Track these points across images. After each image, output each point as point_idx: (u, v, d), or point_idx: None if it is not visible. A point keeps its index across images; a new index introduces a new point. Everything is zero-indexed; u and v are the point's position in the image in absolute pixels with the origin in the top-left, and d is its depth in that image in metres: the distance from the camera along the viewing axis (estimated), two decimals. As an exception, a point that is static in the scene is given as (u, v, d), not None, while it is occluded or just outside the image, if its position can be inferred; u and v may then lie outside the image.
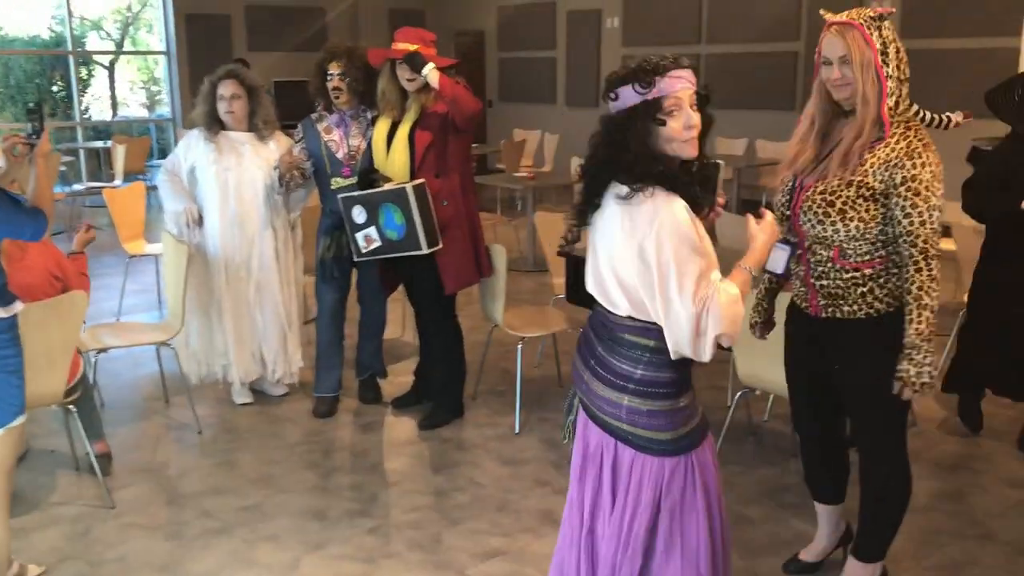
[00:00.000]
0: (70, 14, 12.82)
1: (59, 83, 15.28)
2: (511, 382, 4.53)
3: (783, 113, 10.08)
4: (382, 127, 4.04)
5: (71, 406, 3.52)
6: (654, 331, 2.05)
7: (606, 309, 2.17)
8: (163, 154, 13.55)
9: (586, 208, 2.18)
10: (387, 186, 3.91)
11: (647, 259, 1.99)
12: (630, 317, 2.09)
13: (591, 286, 2.23)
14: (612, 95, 2.10)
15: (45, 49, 15.16)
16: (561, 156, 10.18)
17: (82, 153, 12.41)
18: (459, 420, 4.34)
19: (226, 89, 4.35)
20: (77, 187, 10.30)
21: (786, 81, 10.04)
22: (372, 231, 3.94)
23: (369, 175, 4.04)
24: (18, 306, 2.60)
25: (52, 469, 3.87)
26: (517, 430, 4.22)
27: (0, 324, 2.52)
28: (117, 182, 10.06)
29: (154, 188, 6.06)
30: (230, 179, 4.33)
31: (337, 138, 4.28)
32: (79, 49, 13.87)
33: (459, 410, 4.37)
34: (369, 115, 4.30)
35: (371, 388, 4.63)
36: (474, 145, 10.95)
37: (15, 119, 14.63)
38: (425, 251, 3.87)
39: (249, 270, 4.40)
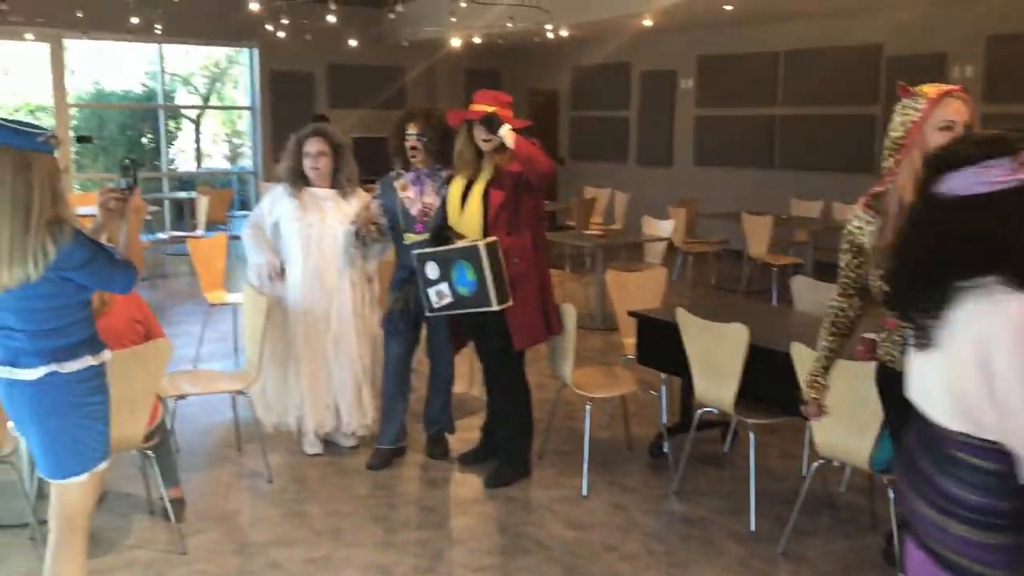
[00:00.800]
0: (162, 70, 13.43)
1: (149, 135, 15.93)
2: (579, 443, 4.49)
3: (859, 176, 9.96)
4: (457, 185, 4.12)
5: (149, 451, 3.61)
6: (994, 452, 1.76)
7: (933, 420, 1.88)
8: (244, 205, 14.00)
9: (935, 322, 1.82)
10: (460, 243, 3.97)
11: (995, 367, 1.70)
12: (963, 433, 1.80)
13: (914, 392, 1.95)
14: (958, 173, 1.77)
15: (137, 103, 15.85)
16: (632, 214, 10.20)
17: (167, 203, 12.87)
18: (526, 479, 4.31)
19: (312, 146, 4.49)
20: (161, 236, 10.67)
21: (863, 144, 9.92)
22: (444, 287, 3.99)
23: (442, 232, 4.11)
24: (107, 354, 2.69)
25: (128, 512, 3.95)
26: (584, 492, 4.17)
27: (89, 371, 2.61)
28: (199, 232, 10.39)
29: (235, 238, 6.23)
30: (312, 234, 4.44)
31: (412, 195, 4.37)
32: (168, 103, 14.47)
33: (526, 469, 4.35)
34: (444, 174, 4.38)
35: (439, 443, 4.64)
36: (545, 202, 11.08)
37: (106, 169, 15.26)
38: (495, 308, 3.90)
39: (328, 322, 4.48)
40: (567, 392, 4.45)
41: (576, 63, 13.51)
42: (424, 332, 4.54)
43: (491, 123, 3.93)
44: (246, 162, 15.11)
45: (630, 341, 4.75)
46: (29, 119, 14.74)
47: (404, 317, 4.41)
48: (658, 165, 12.39)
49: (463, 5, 9.09)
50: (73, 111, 12.56)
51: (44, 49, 11.53)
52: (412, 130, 4.32)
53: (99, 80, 16.11)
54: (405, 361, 4.50)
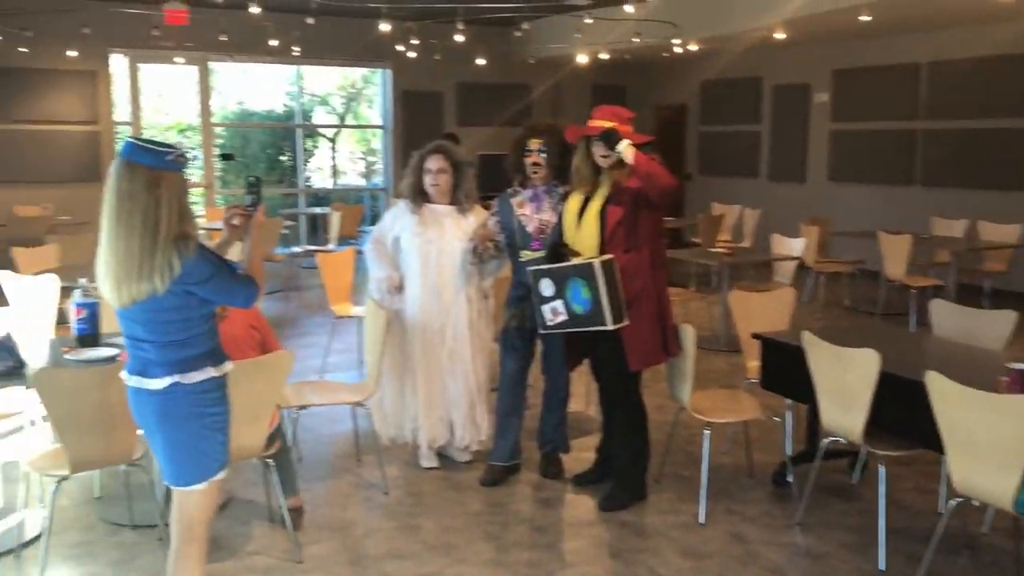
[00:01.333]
0: (300, 91, 14.00)
1: (287, 153, 16.61)
2: (697, 467, 4.35)
3: (1008, 193, 9.36)
4: (574, 202, 4.07)
5: (269, 460, 3.71)
6: None
7: None
8: (376, 221, 14.38)
9: None
10: (575, 260, 3.92)
11: None
12: None
13: None
14: None
15: (277, 122, 16.55)
16: (762, 231, 9.90)
17: (303, 218, 13.38)
18: (640, 503, 4.20)
19: (433, 163, 4.54)
20: (296, 249, 11.07)
21: (1013, 159, 9.31)
22: (559, 304, 3.95)
23: (558, 249, 4.08)
24: (228, 366, 2.77)
25: (249, 519, 4.07)
26: (702, 520, 4.03)
27: (212, 382, 2.70)
28: (331, 246, 10.73)
29: (361, 253, 6.40)
30: (432, 250, 4.49)
31: (529, 212, 4.36)
32: (306, 122, 15.05)
33: (641, 493, 4.24)
34: (561, 190, 4.35)
35: (552, 462, 4.59)
36: (670, 219, 10.89)
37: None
38: (610, 327, 3.83)
39: (443, 337, 4.52)
40: (686, 415, 4.32)
41: (705, 77, 13.26)
42: (540, 349, 4.51)
43: (610, 139, 3.87)
44: (379, 179, 15.55)
45: (754, 364, 4.58)
46: (179, 138, 15.59)
47: (520, 334, 4.40)
48: (790, 181, 12.00)
49: (588, 22, 9.06)
50: (218, 130, 13.21)
51: (192, 72, 12.19)
52: (534, 146, 4.31)
53: (243, 100, 16.94)
54: (520, 378, 4.48)
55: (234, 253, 2.91)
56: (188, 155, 2.78)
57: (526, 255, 4.33)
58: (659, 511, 4.14)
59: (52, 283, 5.36)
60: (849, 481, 4.49)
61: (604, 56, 11.57)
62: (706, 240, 9.45)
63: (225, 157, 13.81)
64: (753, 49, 11.85)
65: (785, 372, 4.23)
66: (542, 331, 4.11)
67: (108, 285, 2.59)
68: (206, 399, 2.68)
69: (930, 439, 3.52)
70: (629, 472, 4.19)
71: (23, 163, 11.07)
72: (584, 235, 3.99)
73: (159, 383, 2.64)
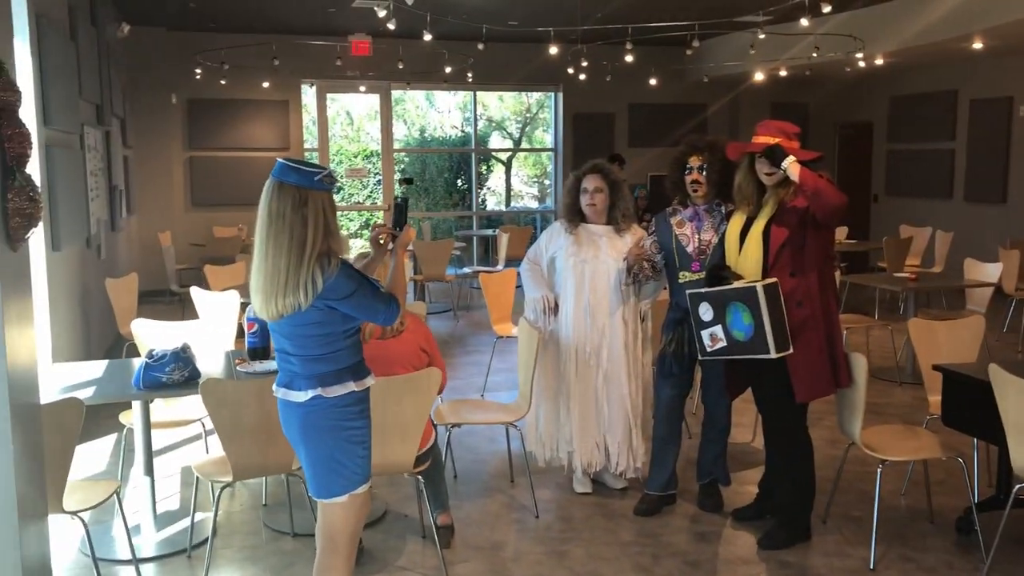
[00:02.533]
0: (475, 116, 14.34)
1: (463, 177, 17.06)
2: (869, 508, 4.03)
3: None
4: (736, 222, 3.90)
5: (419, 476, 3.74)
6: None
7: None
8: (544, 242, 14.49)
9: None
10: (737, 284, 3.74)
11: None
12: None
13: None
14: None
15: (454, 147, 17.04)
16: (955, 255, 9.17)
17: (475, 240, 13.65)
18: (804, 544, 3.93)
19: (590, 183, 4.49)
20: (466, 270, 11.30)
21: None
22: (718, 330, 3.77)
23: (719, 271, 3.90)
24: (370, 380, 2.82)
25: (403, 533, 4.12)
26: (872, 565, 3.72)
27: (352, 396, 2.74)
28: (499, 267, 10.88)
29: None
30: (586, 270, 4.43)
31: (689, 232, 4.21)
32: (481, 147, 15.39)
33: (805, 532, 3.97)
34: (723, 210, 4.19)
35: (711, 495, 4.39)
36: (853, 241, 10.30)
37: (427, 208, 16.55)
38: (773, 356, 3.62)
39: (599, 359, 4.43)
40: (859, 451, 4.01)
41: (893, 92, 12.52)
42: (699, 376, 4.34)
43: (774, 155, 3.68)
44: (550, 201, 15.66)
45: (936, 399, 4.22)
46: (366, 164, 16.32)
47: (677, 359, 4.24)
48: (989, 202, 11.07)
49: (761, 37, 8.75)
50: (399, 155, 13.73)
51: (374, 100, 12.75)
52: (694, 163, 4.17)
53: (423, 127, 17.56)
54: (677, 405, 4.32)
55: (381, 271, 2.96)
56: (336, 176, 2.85)
57: (685, 277, 4.19)
58: (824, 553, 3.86)
59: (234, 299, 5.70)
60: (1047, 533, 4.03)
61: (783, 73, 11.16)
62: (893, 264, 8.86)
63: (405, 181, 14.36)
64: (948, 61, 11.10)
65: (970, 408, 3.85)
66: (701, 358, 3.94)
67: (258, 299, 2.69)
68: (346, 413, 2.72)
69: None
70: (792, 510, 3.93)
71: (223, 187, 11.95)
72: (747, 258, 3.80)
73: (302, 396, 2.71)
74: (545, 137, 16.70)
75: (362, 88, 12.40)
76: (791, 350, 3.65)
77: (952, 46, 9.54)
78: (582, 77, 10.84)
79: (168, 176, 11.85)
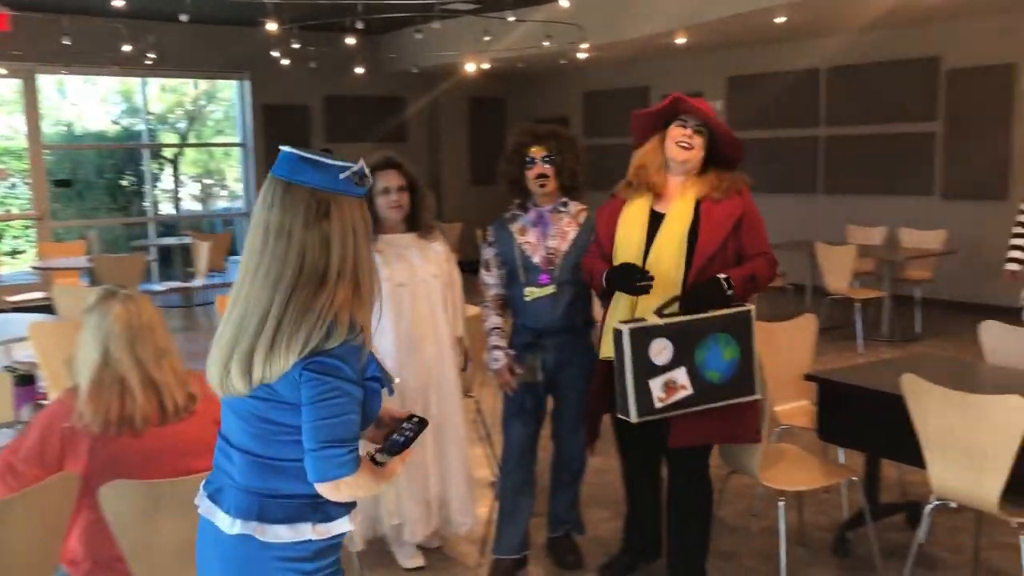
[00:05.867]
0: (145, 106, 12.45)
1: (130, 177, 14.85)
2: (746, 543, 3.58)
3: (920, 199, 9.26)
4: (637, 211, 3.16)
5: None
6: None
7: None
8: (237, 251, 12.94)
9: None
10: (725, 311, 2.92)
11: None
12: None
13: None
14: None
15: (117, 143, 14.78)
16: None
17: (153, 250, 11.78)
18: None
19: (390, 180, 3.55)
20: (155, 287, 9.65)
21: (922, 165, 9.22)
22: (680, 374, 2.88)
23: (633, 274, 2.98)
24: (344, 524, 1.87)
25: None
26: (783, 613, 3.25)
27: (306, 548, 1.80)
28: (198, 281, 9.39)
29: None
30: (404, 295, 3.50)
31: (533, 239, 3.47)
32: (152, 142, 13.44)
33: (702, 579, 3.40)
34: (572, 209, 3.51)
35: (570, 549, 3.70)
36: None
37: (81, 215, 14.13)
38: (757, 396, 2.99)
39: (426, 402, 3.54)
40: (735, 480, 3.53)
41: (587, 88, 12.75)
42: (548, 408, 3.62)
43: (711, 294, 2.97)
44: (226, 203, 14.08)
45: (786, 409, 3.89)
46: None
47: (531, 392, 3.49)
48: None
49: (483, 31, 8.24)
50: (47, 152, 11.45)
51: (16, 85, 10.50)
52: (537, 154, 3.43)
53: (74, 118, 15.03)
54: (531, 447, 3.56)
55: None
56: (368, 173, 1.78)
57: (532, 293, 3.44)
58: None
59: None
60: (912, 540, 3.83)
61: (485, 66, 10.80)
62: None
63: (61, 184, 12.03)
64: (640, 58, 11.41)
65: (850, 420, 3.54)
66: (639, 419, 2.89)
67: (224, 361, 1.75)
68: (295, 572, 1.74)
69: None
70: (698, 556, 3.30)
71: None
72: (661, 260, 3.03)
73: (226, 523, 1.73)
74: (219, 130, 15.00)
75: (1, 71, 10.12)
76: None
77: (649, 42, 9.72)
78: (285, 62, 9.65)
79: None
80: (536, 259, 3.45)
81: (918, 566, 3.51)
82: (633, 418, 2.86)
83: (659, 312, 2.90)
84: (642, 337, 2.84)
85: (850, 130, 9.85)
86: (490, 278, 3.53)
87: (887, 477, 3.86)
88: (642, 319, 2.90)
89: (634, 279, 2.97)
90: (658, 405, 2.87)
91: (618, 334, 2.85)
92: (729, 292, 2.94)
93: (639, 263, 3.03)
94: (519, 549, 3.58)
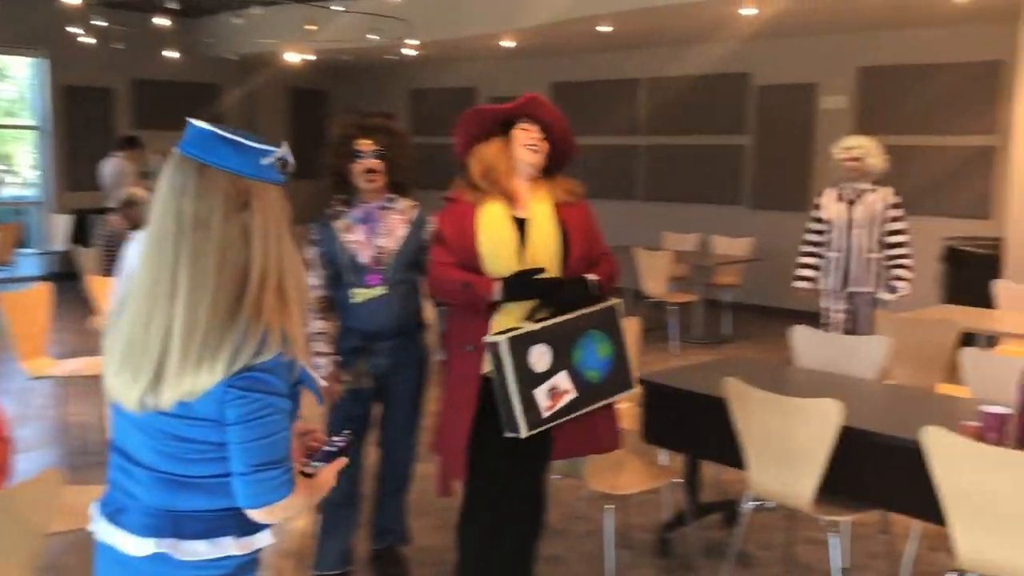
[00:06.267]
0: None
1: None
2: (566, 548, 3.56)
3: (728, 207, 9.73)
4: (497, 214, 2.91)
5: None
6: None
7: None
8: (28, 243, 11.87)
9: None
10: (592, 308, 2.81)
11: None
12: None
13: None
14: None
15: None
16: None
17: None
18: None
19: (367, 146, 3.33)
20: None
21: (729, 175, 9.70)
22: (562, 379, 2.70)
23: (529, 280, 2.79)
24: (264, 538, 1.72)
25: None
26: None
27: (228, 565, 1.66)
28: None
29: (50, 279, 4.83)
30: None
31: (361, 237, 3.30)
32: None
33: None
34: (401, 205, 3.37)
35: (394, 561, 3.55)
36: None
37: None
38: (634, 390, 2.93)
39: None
40: (561, 483, 3.50)
41: (415, 85, 12.60)
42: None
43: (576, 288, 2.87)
44: (27, 191, 12.90)
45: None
46: None
47: (359, 399, 3.31)
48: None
49: (308, 23, 7.93)
50: None
51: None
52: (366, 147, 3.26)
53: None
54: (356, 457, 3.38)
55: None
56: (290, 159, 1.61)
57: (360, 295, 3.27)
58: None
59: None
60: (729, 538, 3.95)
61: (308, 57, 10.44)
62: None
63: None
64: (468, 59, 11.39)
65: (672, 422, 3.59)
66: (530, 432, 2.65)
67: (131, 373, 1.53)
68: None
69: (889, 498, 3.07)
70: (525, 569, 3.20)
71: None
72: (538, 265, 2.84)
73: (137, 545, 1.57)
74: (20, 112, 13.72)
75: None
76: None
77: (479, 44, 9.72)
78: (87, 40, 8.91)
79: None
80: (364, 259, 3.28)
81: (733, 563, 3.61)
82: (523, 433, 2.64)
83: (531, 318, 2.76)
84: (521, 345, 2.64)
85: (668, 140, 10.23)
86: (314, 279, 3.33)
87: (704, 476, 3.96)
88: (515, 327, 2.70)
89: (539, 280, 2.80)
90: (545, 415, 2.68)
91: (494, 346, 2.62)
92: (593, 289, 2.88)
93: (517, 267, 2.82)
94: (341, 564, 3.40)
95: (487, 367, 2.77)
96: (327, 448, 1.70)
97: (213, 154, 1.53)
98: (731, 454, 3.21)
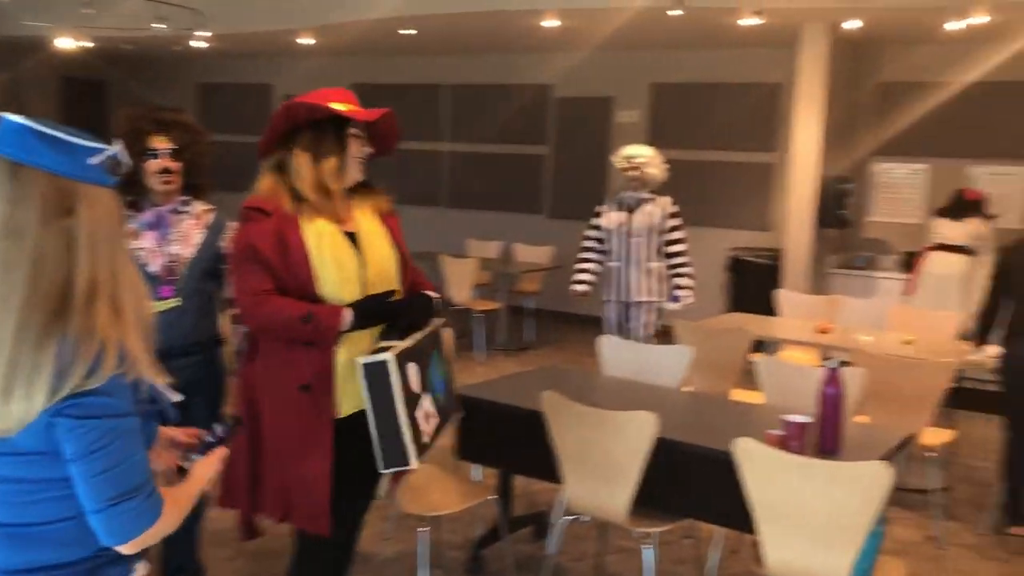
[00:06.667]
0: None
1: None
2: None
3: (528, 216, 9.87)
4: (330, 233, 2.54)
5: None
6: None
7: None
8: None
9: None
10: (430, 327, 2.63)
11: None
12: None
13: None
14: None
15: None
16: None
17: None
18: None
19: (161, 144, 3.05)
20: None
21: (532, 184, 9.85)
22: (428, 401, 2.49)
23: (385, 304, 2.53)
24: None
25: None
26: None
27: None
28: None
29: None
30: None
31: (151, 244, 2.99)
32: None
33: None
34: (195, 208, 3.09)
35: (184, 595, 3.24)
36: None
37: None
38: (460, 413, 2.83)
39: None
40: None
41: (205, 79, 11.93)
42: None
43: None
44: None
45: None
46: None
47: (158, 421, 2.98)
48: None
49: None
50: None
51: None
52: (161, 145, 2.96)
53: None
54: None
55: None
56: (124, 159, 1.47)
57: (155, 307, 2.96)
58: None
59: None
60: (537, 551, 3.92)
61: (84, 43, 9.60)
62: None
63: None
64: (264, 54, 10.91)
65: (486, 437, 3.52)
66: (416, 466, 2.39)
67: None
68: None
69: (698, 508, 3.13)
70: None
71: None
72: (382, 282, 2.57)
73: None
74: None
75: None
76: None
77: (277, 39, 9.33)
78: None
79: None
80: (155, 268, 2.96)
81: (548, 577, 3.58)
82: (414, 463, 2.35)
83: (387, 336, 2.49)
84: (403, 363, 2.36)
85: (472, 147, 10.24)
86: None
87: (514, 487, 3.91)
88: (388, 346, 2.39)
89: (389, 303, 2.54)
90: (425, 440, 2.43)
91: (381, 366, 2.30)
92: (437, 306, 2.70)
93: (360, 288, 2.52)
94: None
95: (345, 404, 2.47)
96: (208, 439, 1.65)
97: (29, 152, 1.36)
98: (546, 469, 3.16)
